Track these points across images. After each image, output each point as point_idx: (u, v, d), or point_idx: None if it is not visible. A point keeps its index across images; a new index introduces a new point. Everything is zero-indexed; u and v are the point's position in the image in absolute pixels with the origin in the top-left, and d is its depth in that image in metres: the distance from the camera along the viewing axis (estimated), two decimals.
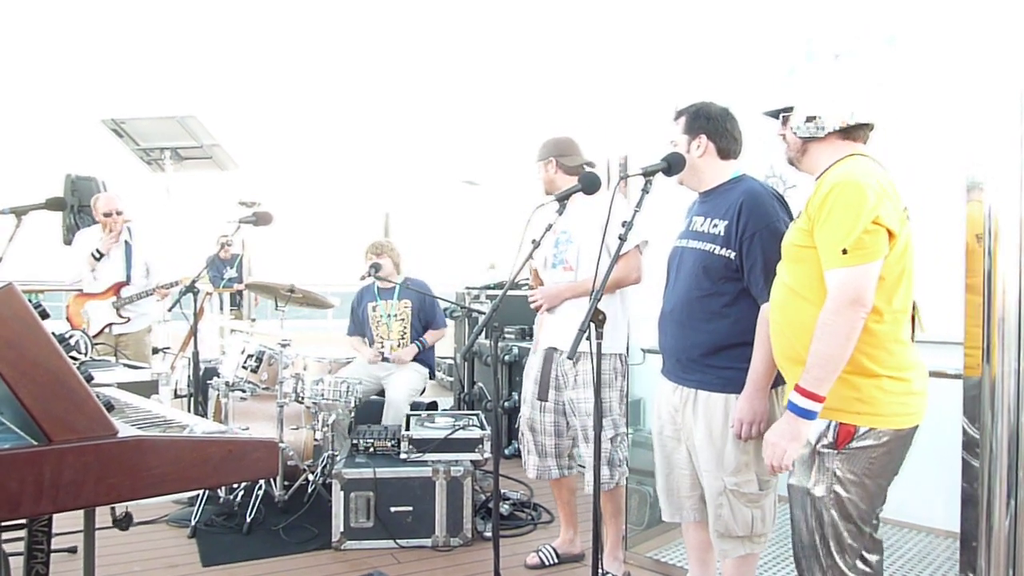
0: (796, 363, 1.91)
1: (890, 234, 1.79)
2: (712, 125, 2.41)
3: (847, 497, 1.87)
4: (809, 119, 1.97)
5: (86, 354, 2.71)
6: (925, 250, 1.93)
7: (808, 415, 1.82)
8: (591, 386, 2.95)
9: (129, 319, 4.77)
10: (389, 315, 4.62)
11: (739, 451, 2.29)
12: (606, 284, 2.09)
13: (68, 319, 4.76)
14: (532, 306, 3.23)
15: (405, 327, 4.61)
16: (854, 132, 1.96)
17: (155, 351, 5.29)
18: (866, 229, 1.75)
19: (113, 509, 2.08)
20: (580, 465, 3.40)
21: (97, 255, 4.68)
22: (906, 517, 3.64)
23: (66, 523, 2.43)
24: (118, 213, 4.75)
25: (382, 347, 4.61)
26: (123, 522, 2.19)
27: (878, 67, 3.50)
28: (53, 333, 1.47)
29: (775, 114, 2.10)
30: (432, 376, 4.74)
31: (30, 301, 1.44)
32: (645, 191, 2.17)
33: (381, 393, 4.51)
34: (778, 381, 2.24)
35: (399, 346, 4.58)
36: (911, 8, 3.44)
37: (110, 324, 4.73)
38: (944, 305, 2.79)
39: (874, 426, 1.83)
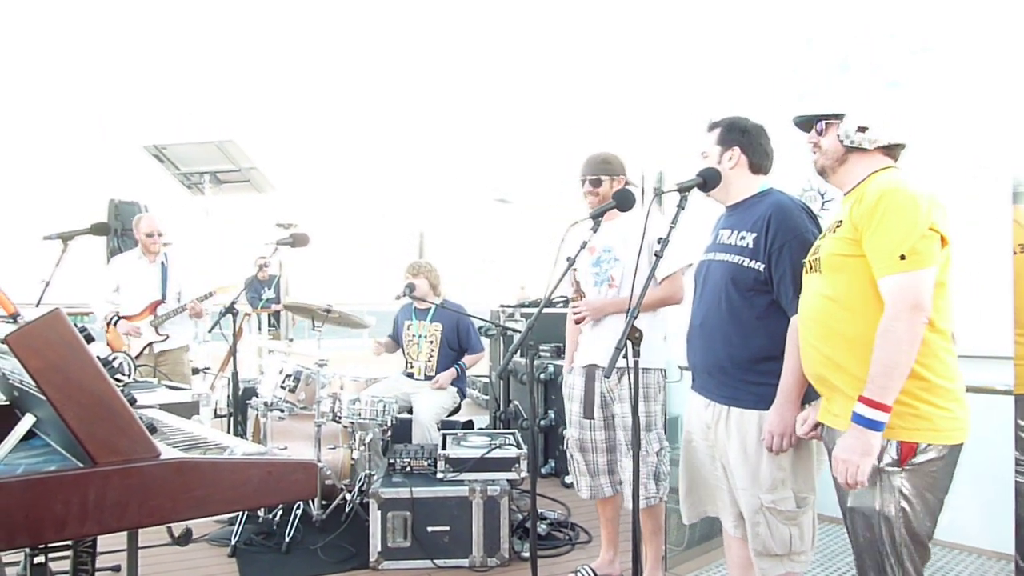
0: (841, 372, 1.90)
1: (943, 241, 1.79)
2: (746, 138, 2.40)
3: (914, 514, 1.84)
4: (861, 129, 1.95)
5: (129, 376, 2.76)
6: (958, 262, 1.89)
7: (876, 426, 1.78)
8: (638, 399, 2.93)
9: (168, 336, 4.86)
10: (420, 335, 4.64)
11: (775, 467, 2.25)
12: (643, 302, 2.07)
13: (108, 343, 4.85)
14: (575, 318, 3.22)
15: (433, 350, 4.62)
16: (895, 149, 1.98)
17: (195, 371, 5.38)
18: (923, 235, 1.76)
19: (170, 527, 2.09)
20: (619, 481, 3.35)
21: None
22: (957, 538, 3.52)
23: (109, 541, 2.47)
24: (159, 235, 4.88)
25: (411, 368, 4.65)
26: (183, 539, 2.21)
27: (908, 75, 3.45)
28: (97, 356, 1.50)
29: (811, 119, 2.07)
30: (463, 396, 4.74)
31: (75, 325, 1.47)
32: (680, 207, 2.15)
33: (411, 411, 4.52)
34: (809, 395, 2.19)
35: (426, 367, 4.60)
36: (953, 16, 3.39)
37: (150, 344, 4.81)
38: (984, 319, 2.72)
39: (932, 442, 1.82)
